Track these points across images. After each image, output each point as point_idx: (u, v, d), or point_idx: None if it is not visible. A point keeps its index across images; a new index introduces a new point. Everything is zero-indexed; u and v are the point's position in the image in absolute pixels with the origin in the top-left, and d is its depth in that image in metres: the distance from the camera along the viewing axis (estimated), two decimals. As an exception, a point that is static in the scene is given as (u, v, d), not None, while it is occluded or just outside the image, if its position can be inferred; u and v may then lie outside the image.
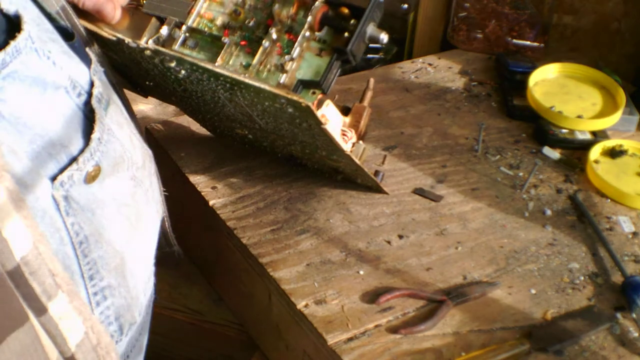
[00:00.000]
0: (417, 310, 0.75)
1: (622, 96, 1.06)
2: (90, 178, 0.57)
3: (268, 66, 0.77)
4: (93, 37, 0.72)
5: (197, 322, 0.93)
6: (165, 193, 0.76)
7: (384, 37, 0.78)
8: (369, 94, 0.92)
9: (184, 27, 0.79)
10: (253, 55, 0.78)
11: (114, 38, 0.74)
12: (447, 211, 0.89)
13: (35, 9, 0.58)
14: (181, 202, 0.93)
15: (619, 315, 0.76)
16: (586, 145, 0.99)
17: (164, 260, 0.77)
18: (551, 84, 1.11)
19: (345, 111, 0.89)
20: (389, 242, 0.83)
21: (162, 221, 0.79)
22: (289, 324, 0.77)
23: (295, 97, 0.71)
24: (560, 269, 0.82)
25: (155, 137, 0.96)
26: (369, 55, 1.27)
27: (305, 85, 0.76)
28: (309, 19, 0.77)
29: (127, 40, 0.75)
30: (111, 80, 0.69)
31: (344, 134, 0.85)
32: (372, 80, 0.90)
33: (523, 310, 0.76)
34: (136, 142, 0.67)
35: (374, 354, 0.70)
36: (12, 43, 0.51)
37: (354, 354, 0.70)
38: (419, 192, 0.91)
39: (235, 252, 0.83)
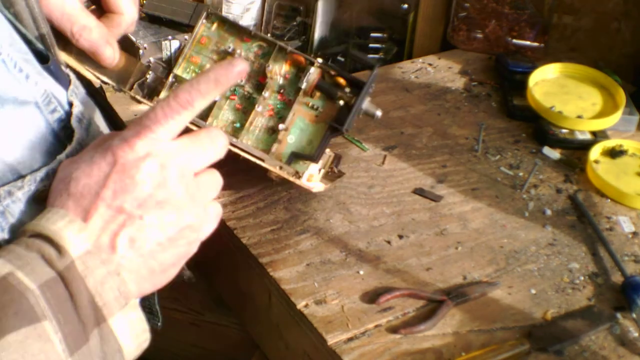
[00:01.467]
0: (417, 310, 0.75)
1: (622, 96, 1.06)
2: (45, 198, 0.54)
3: (259, 126, 0.77)
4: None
5: (197, 322, 0.93)
6: None
7: (379, 113, 0.78)
8: None
9: (171, 74, 0.77)
10: (242, 112, 0.77)
11: (98, 81, 0.73)
12: (447, 211, 0.89)
13: (10, 28, 0.55)
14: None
15: (619, 315, 0.76)
16: (586, 145, 0.99)
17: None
18: (551, 84, 1.11)
19: None
20: (389, 242, 0.83)
21: None
22: (289, 324, 0.77)
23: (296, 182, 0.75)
24: (560, 269, 0.82)
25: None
26: (370, 55, 1.27)
27: (297, 157, 0.76)
28: (304, 85, 0.76)
29: (112, 84, 0.74)
30: (98, 100, 0.67)
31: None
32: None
33: (523, 310, 0.76)
34: None
35: (374, 354, 0.70)
36: None
37: (354, 354, 0.70)
38: (419, 192, 0.91)
39: (235, 252, 0.83)
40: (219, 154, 0.58)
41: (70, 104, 0.58)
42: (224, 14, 1.28)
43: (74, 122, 0.57)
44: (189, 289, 0.95)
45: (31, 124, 0.55)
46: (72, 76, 0.62)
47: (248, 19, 1.29)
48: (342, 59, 1.27)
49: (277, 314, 0.80)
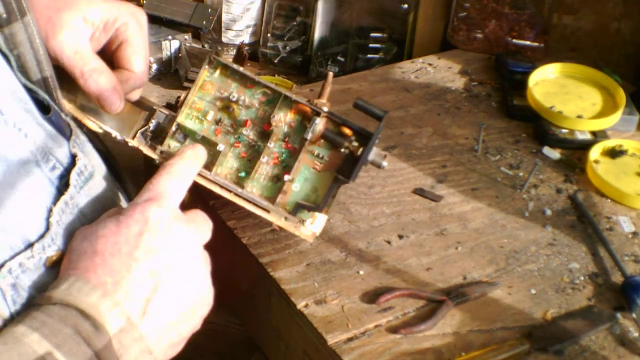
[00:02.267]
0: (417, 310, 0.75)
1: (622, 96, 1.06)
2: (53, 263, 0.53)
3: (264, 174, 0.76)
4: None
5: (197, 322, 0.93)
6: None
7: (385, 164, 0.76)
8: (327, 89, 0.88)
9: (174, 123, 0.75)
10: (247, 159, 0.76)
11: (100, 130, 0.72)
12: (447, 211, 0.89)
13: (11, 74, 0.54)
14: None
15: (619, 315, 0.76)
16: (586, 145, 0.99)
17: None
18: (551, 84, 1.11)
19: None
20: (389, 242, 0.83)
21: None
22: (289, 324, 0.77)
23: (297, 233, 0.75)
24: (560, 269, 0.82)
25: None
26: (369, 55, 1.27)
27: (302, 207, 0.75)
28: (309, 135, 0.75)
29: (115, 134, 0.73)
30: (100, 148, 0.65)
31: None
32: (330, 74, 0.86)
33: (523, 310, 0.76)
34: None
35: (374, 354, 0.70)
36: None
37: (354, 354, 0.70)
38: (419, 192, 0.91)
39: (235, 252, 0.83)
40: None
41: (73, 156, 0.56)
42: (223, 14, 1.28)
43: (73, 175, 0.55)
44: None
45: (35, 183, 0.53)
46: (73, 125, 0.60)
47: (248, 19, 1.29)
48: (342, 59, 1.27)
49: (277, 314, 0.80)
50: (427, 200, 0.90)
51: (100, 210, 0.58)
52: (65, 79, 0.68)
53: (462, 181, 0.94)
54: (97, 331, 0.49)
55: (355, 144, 0.74)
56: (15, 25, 0.56)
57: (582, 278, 0.81)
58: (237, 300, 0.90)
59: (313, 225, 0.76)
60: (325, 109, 0.76)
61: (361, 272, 0.79)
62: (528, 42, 1.23)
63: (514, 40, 1.23)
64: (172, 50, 1.23)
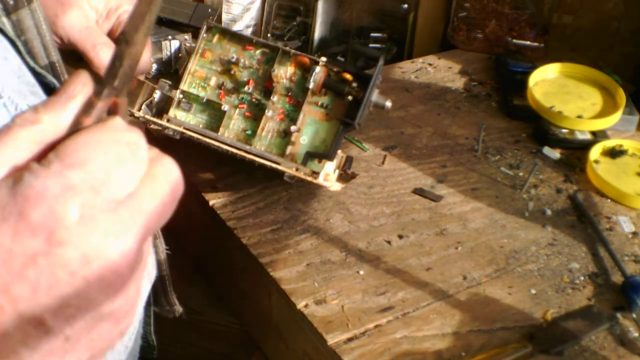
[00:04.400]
0: (417, 310, 0.75)
1: (622, 96, 1.06)
2: None
3: (271, 131, 0.77)
4: None
5: (197, 322, 0.93)
6: (168, 252, 0.72)
7: (389, 104, 0.78)
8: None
9: (178, 91, 0.78)
10: (253, 119, 0.77)
11: None
12: (447, 211, 0.89)
13: (18, 60, 0.54)
14: (181, 202, 0.93)
15: (619, 315, 0.76)
16: (586, 145, 0.99)
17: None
18: (551, 84, 1.11)
19: None
20: (389, 242, 0.83)
21: (163, 280, 0.76)
22: (289, 324, 0.77)
23: (309, 180, 0.76)
24: (560, 269, 0.82)
25: (155, 137, 0.96)
26: (369, 55, 1.27)
27: (313, 156, 0.76)
28: (311, 85, 0.76)
29: None
30: None
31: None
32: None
33: (523, 310, 0.76)
34: None
35: (374, 354, 0.70)
36: None
37: (354, 354, 0.70)
38: (419, 192, 0.91)
39: (235, 252, 0.83)
40: None
41: None
42: (223, 14, 1.28)
43: None
44: (188, 289, 0.95)
45: None
46: None
47: (248, 19, 1.29)
48: (342, 59, 1.27)
49: (277, 314, 0.80)
50: (427, 200, 0.90)
51: None
52: (70, 63, 0.70)
53: (462, 181, 0.94)
54: None
55: (357, 89, 0.76)
56: (22, 12, 0.57)
57: (582, 278, 0.81)
58: (237, 300, 0.90)
59: (328, 184, 0.77)
60: (324, 58, 0.77)
61: (361, 272, 0.79)
62: (528, 42, 1.23)
63: (514, 40, 1.23)
64: (172, 50, 1.23)
